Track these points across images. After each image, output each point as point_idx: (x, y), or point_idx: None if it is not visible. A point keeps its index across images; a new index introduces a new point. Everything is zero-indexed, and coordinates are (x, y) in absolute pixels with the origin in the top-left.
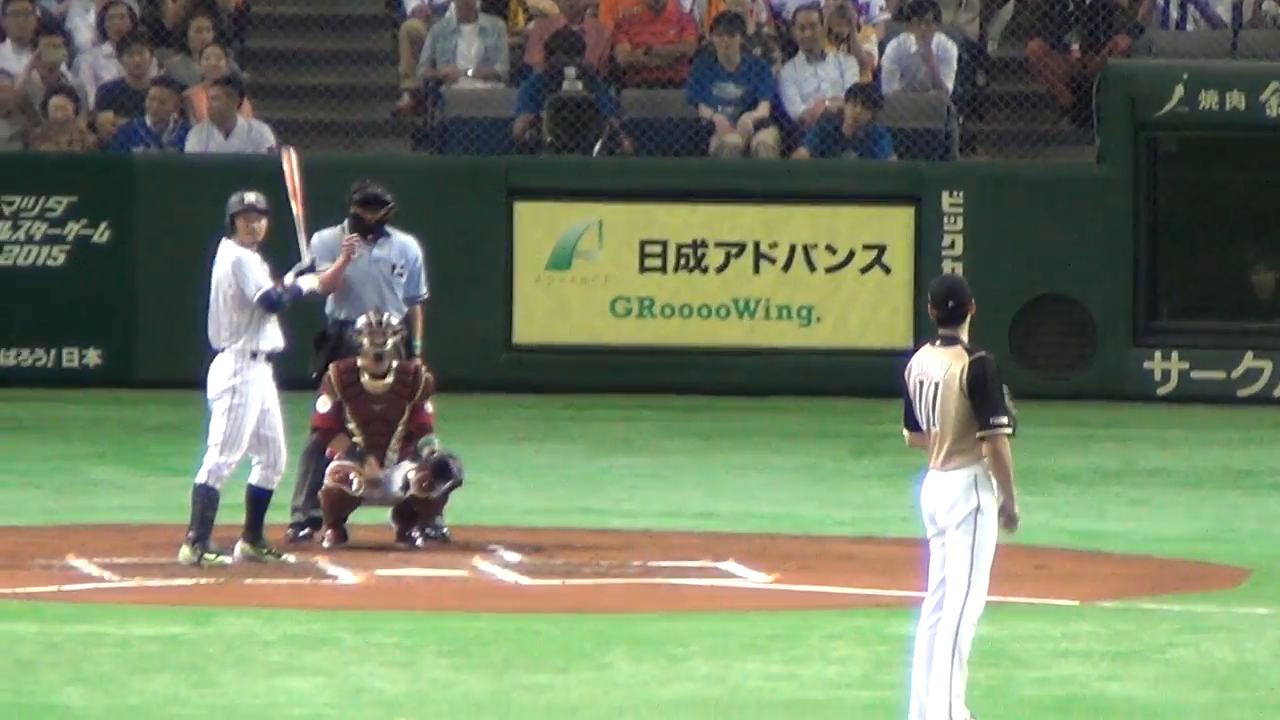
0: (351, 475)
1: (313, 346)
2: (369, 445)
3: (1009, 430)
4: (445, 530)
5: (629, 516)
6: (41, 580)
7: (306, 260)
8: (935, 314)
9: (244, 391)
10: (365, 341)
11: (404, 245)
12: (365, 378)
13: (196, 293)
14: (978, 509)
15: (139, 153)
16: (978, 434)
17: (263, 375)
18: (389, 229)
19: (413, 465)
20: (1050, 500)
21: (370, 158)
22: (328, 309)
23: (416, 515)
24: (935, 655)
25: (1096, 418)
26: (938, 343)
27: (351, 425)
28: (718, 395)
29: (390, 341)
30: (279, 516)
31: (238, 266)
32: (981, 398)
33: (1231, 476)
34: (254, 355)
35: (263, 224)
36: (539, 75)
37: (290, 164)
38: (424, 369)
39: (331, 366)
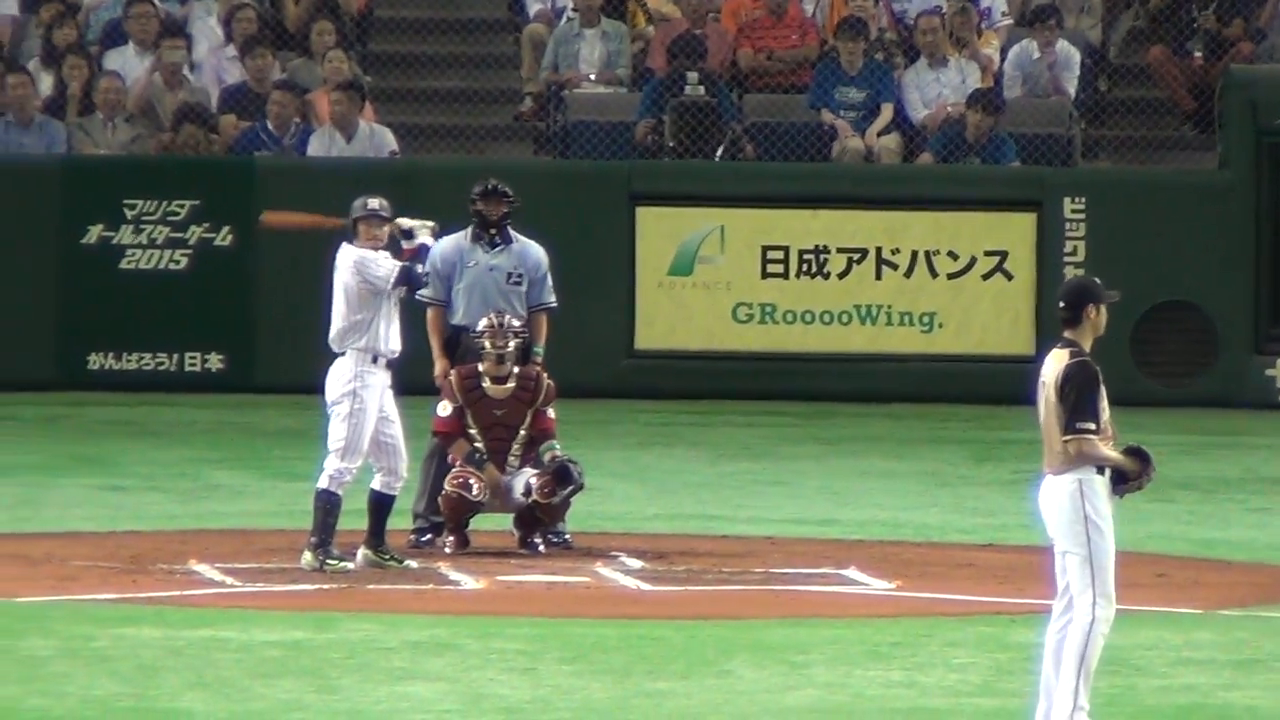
0: (471, 481)
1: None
2: (490, 451)
3: (1092, 433)
4: (567, 536)
5: (750, 523)
6: (164, 585)
7: (402, 224)
8: (1059, 315)
9: (363, 396)
10: (486, 343)
11: (525, 252)
12: (487, 383)
13: (317, 297)
14: (1086, 518)
15: (260, 156)
16: (1063, 438)
17: (381, 380)
18: (514, 235)
19: (534, 471)
20: (1171, 508)
21: (492, 162)
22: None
23: (539, 521)
24: (1062, 667)
25: (1217, 425)
26: (1059, 345)
27: (473, 430)
28: (839, 401)
29: (512, 344)
30: (401, 522)
31: (361, 263)
32: (1068, 401)
33: None
34: (374, 359)
35: (385, 230)
36: (661, 80)
37: (278, 221)
38: (545, 375)
39: (453, 371)
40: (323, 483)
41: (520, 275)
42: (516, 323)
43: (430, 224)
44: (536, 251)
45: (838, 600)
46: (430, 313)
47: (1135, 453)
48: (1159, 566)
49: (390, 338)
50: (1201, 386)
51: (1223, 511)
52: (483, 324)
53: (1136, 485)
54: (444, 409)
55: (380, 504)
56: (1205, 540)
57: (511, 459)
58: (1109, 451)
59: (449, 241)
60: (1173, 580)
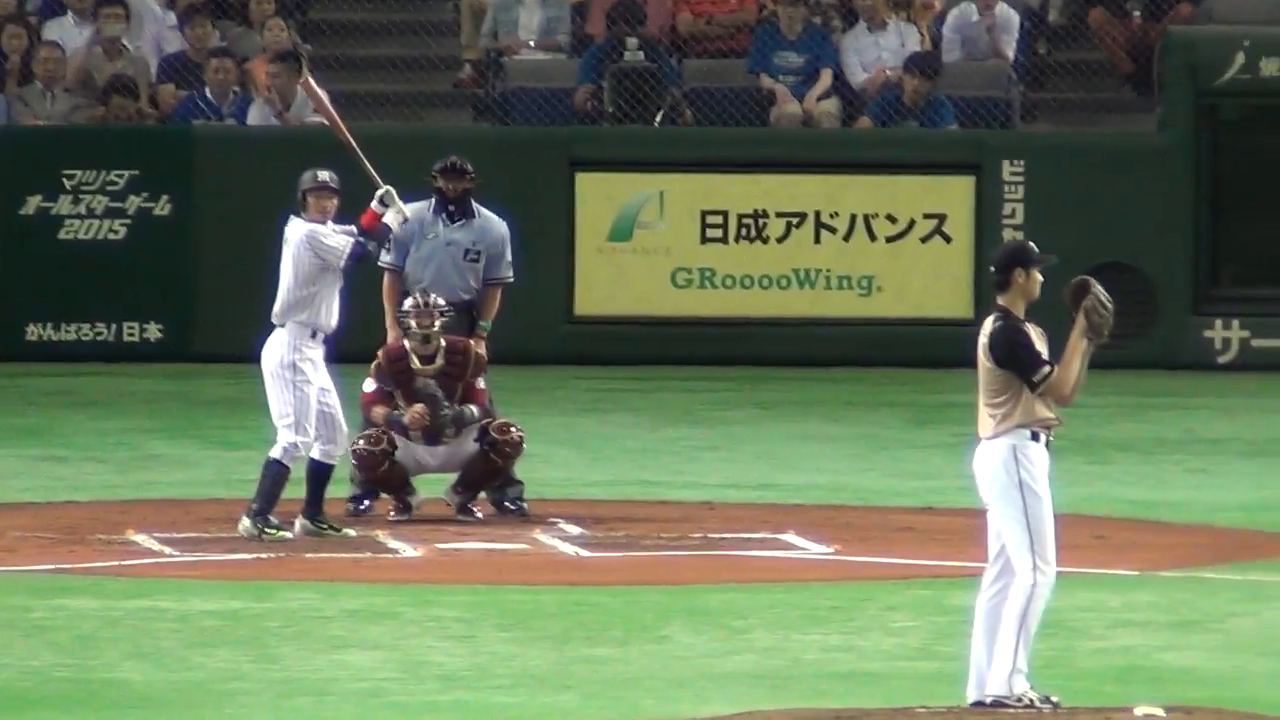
0: (383, 436)
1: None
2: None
3: (1049, 370)
4: (524, 504)
5: (689, 488)
6: (102, 555)
7: (382, 188)
8: (991, 280)
9: (303, 369)
10: (412, 323)
11: (486, 228)
12: (415, 363)
13: (256, 266)
14: (1021, 483)
15: (199, 125)
16: (1035, 396)
17: (319, 354)
18: (478, 209)
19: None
20: (1110, 470)
21: (432, 129)
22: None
23: (484, 481)
24: (1001, 628)
25: (1156, 387)
26: (991, 312)
27: (404, 406)
28: (778, 366)
29: (438, 323)
30: (340, 490)
31: (312, 237)
32: (1012, 362)
33: None
34: (314, 334)
35: (334, 202)
36: (600, 46)
37: (313, 92)
38: (475, 346)
39: (381, 352)
40: (275, 453)
41: (479, 251)
42: (442, 302)
43: (405, 213)
44: (498, 227)
45: (776, 565)
46: (387, 278)
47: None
48: (1097, 528)
49: (332, 313)
50: (1141, 348)
51: (1161, 473)
52: (408, 303)
53: (1099, 323)
54: (368, 384)
55: (318, 473)
56: (1144, 502)
57: (446, 436)
58: (1073, 360)
59: (411, 210)
60: (1111, 542)
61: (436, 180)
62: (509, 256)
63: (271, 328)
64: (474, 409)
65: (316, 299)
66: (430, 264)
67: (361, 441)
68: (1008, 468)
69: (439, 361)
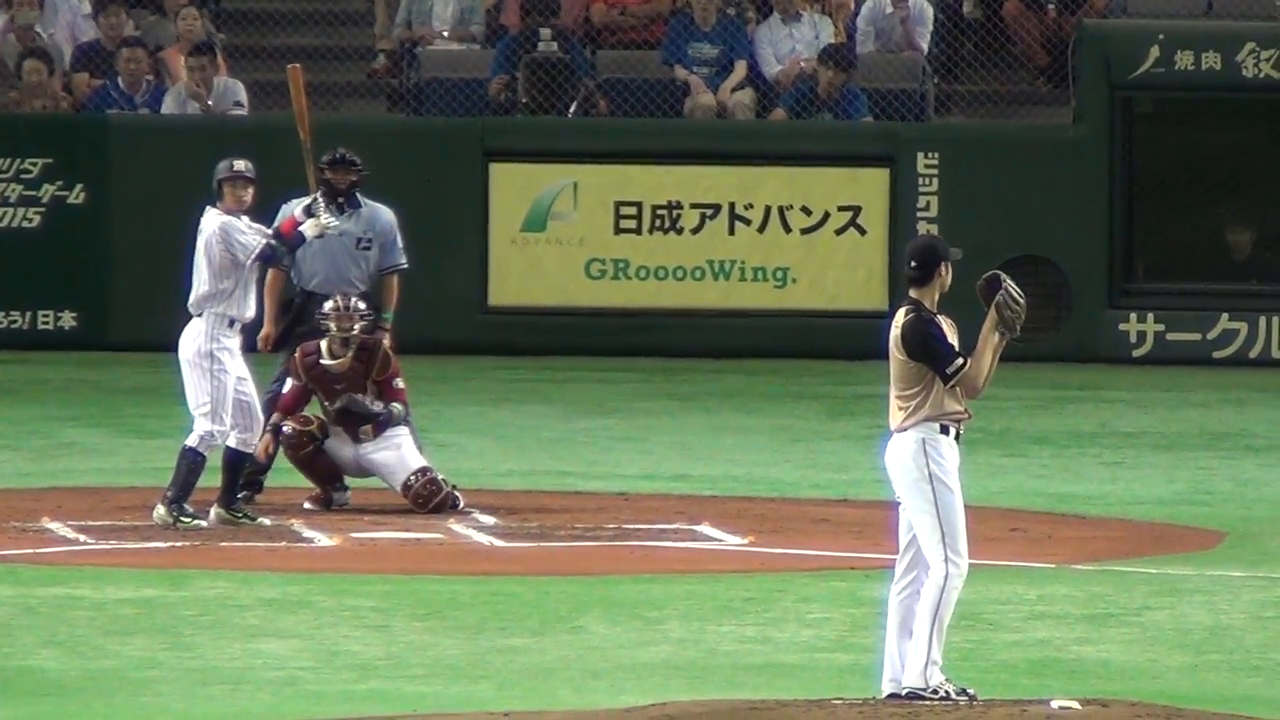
0: (311, 419)
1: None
2: (341, 424)
3: (961, 364)
4: (459, 501)
5: (604, 479)
6: (17, 543)
7: (311, 197)
8: (908, 274)
9: (221, 358)
10: (332, 326)
11: (374, 217)
12: (325, 358)
13: (172, 255)
14: (931, 476)
15: (114, 114)
16: (946, 389)
17: (236, 343)
18: (361, 199)
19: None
20: (1025, 463)
21: (346, 119)
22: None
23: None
24: (916, 621)
25: (1072, 380)
26: (903, 305)
27: (325, 405)
28: (693, 357)
29: (358, 326)
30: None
31: (225, 231)
32: (925, 355)
33: (1207, 439)
34: (231, 323)
35: (250, 192)
36: (514, 36)
37: (297, 83)
38: (385, 343)
39: (298, 351)
40: (192, 441)
41: (370, 240)
42: (363, 305)
43: (326, 228)
44: (385, 215)
45: (691, 556)
46: (270, 274)
47: (986, 290)
48: (1013, 521)
49: (248, 305)
50: (1056, 341)
51: (1077, 465)
52: (328, 306)
53: (1011, 317)
54: (288, 387)
55: (235, 462)
56: (1059, 495)
57: (363, 431)
58: (984, 353)
59: (297, 206)
60: (1027, 535)
61: (324, 172)
62: (400, 243)
63: (189, 317)
64: (398, 407)
65: (234, 293)
66: (323, 256)
67: (291, 422)
68: (917, 461)
69: (348, 356)
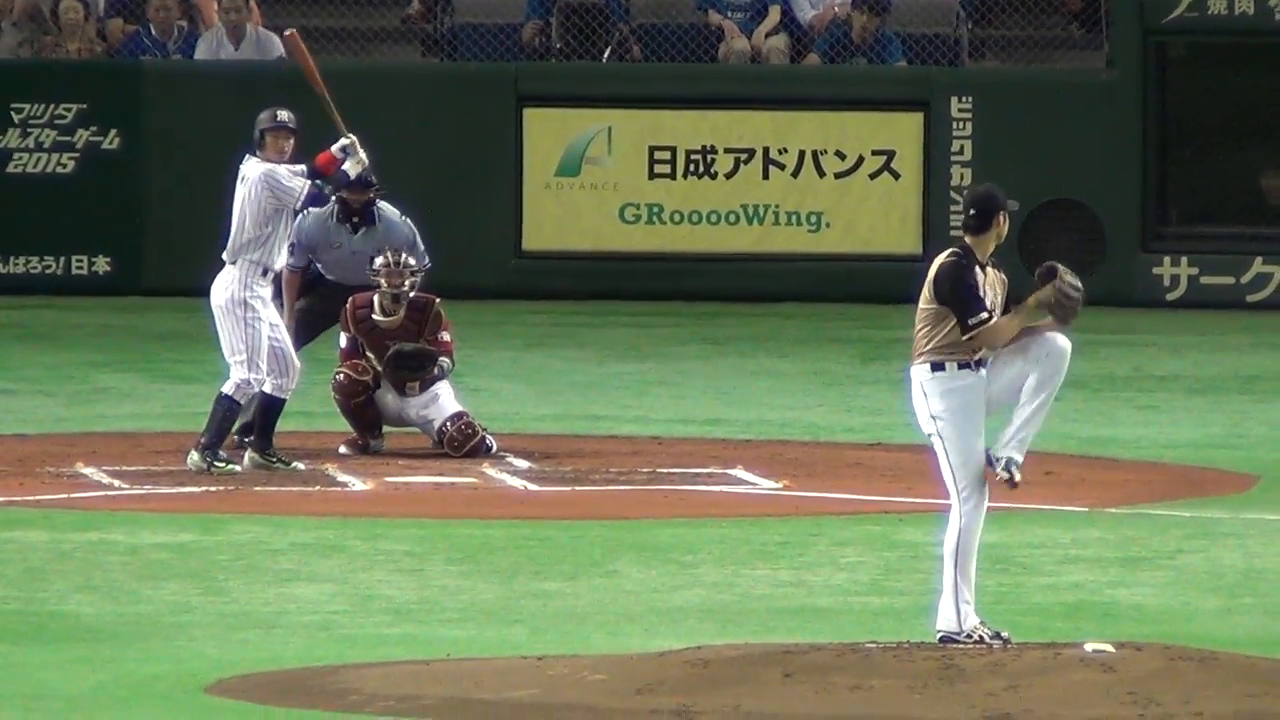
0: (367, 368)
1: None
2: (389, 378)
3: (986, 318)
4: (490, 443)
5: (638, 423)
6: (51, 488)
7: (346, 139)
8: (967, 222)
9: (255, 305)
10: (383, 282)
11: (389, 232)
12: (378, 314)
13: (204, 201)
14: (933, 417)
15: (148, 60)
16: (963, 338)
17: (268, 291)
18: (377, 213)
19: (451, 416)
20: (1058, 406)
21: (380, 65)
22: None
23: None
24: (941, 564)
25: (1105, 323)
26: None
27: (371, 357)
28: (727, 301)
29: (407, 282)
30: (290, 425)
31: (270, 179)
32: (953, 299)
33: (1240, 382)
34: (265, 272)
35: (291, 142)
36: None
37: (298, 46)
38: (437, 302)
39: (350, 301)
40: (228, 389)
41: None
42: (413, 261)
43: (365, 164)
44: (401, 228)
45: (725, 500)
46: (286, 274)
47: (1044, 277)
48: (1047, 464)
49: (282, 254)
50: (1089, 285)
51: (1110, 409)
52: (378, 262)
53: (1065, 307)
54: (343, 339)
55: (269, 408)
56: (1093, 438)
57: (410, 385)
58: (1011, 322)
59: (315, 220)
60: (1061, 478)
61: (341, 192)
62: (421, 246)
63: (221, 263)
64: (447, 362)
65: (270, 239)
66: (337, 271)
67: (347, 369)
68: (920, 400)
69: (400, 314)
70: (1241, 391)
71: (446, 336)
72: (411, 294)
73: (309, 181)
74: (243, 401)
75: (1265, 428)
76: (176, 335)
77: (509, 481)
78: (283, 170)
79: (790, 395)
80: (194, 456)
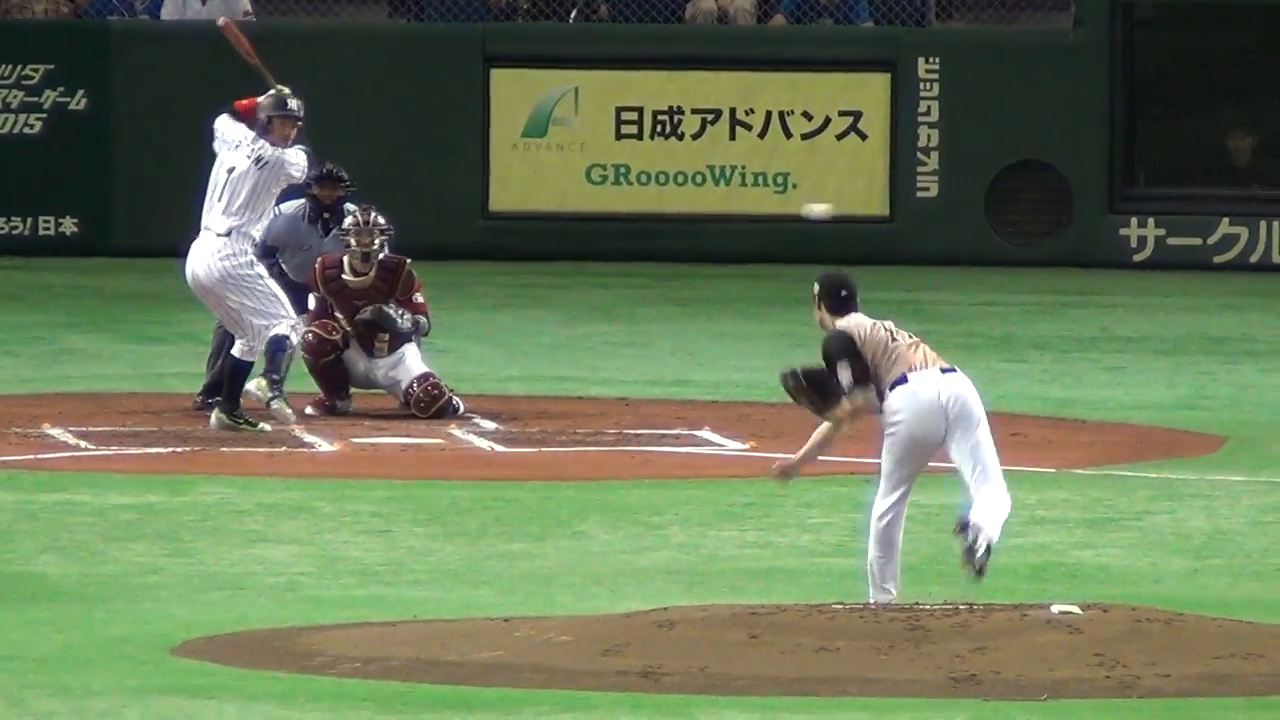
0: (335, 328)
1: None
2: (357, 339)
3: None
4: (457, 404)
5: (605, 384)
6: (17, 449)
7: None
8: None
9: (256, 267)
10: (352, 241)
11: None
12: (348, 274)
13: (173, 162)
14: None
15: (115, 20)
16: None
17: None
18: (347, 211)
19: (416, 377)
20: (1026, 368)
21: (347, 24)
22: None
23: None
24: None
25: (1072, 284)
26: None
27: (340, 318)
28: (693, 263)
29: (378, 241)
30: (302, 386)
31: (286, 162)
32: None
33: (1207, 343)
34: (251, 241)
35: (295, 131)
36: None
37: (234, 35)
38: (408, 262)
39: (317, 263)
40: (283, 329)
41: None
42: (382, 220)
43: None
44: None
45: (692, 461)
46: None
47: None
48: (1014, 426)
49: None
50: (1056, 246)
51: (1077, 370)
52: (348, 221)
53: (797, 399)
54: (311, 301)
55: (238, 369)
56: (1060, 399)
57: (379, 345)
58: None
59: (286, 220)
60: (1028, 439)
61: (311, 188)
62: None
63: (189, 222)
64: (423, 319)
65: (265, 213)
66: (304, 274)
67: (316, 328)
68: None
69: (371, 275)
70: (1208, 353)
71: (420, 298)
72: (382, 255)
73: (306, 152)
74: (293, 344)
75: (1232, 389)
76: (144, 296)
77: (476, 443)
78: (290, 152)
79: (757, 356)
80: (261, 383)
